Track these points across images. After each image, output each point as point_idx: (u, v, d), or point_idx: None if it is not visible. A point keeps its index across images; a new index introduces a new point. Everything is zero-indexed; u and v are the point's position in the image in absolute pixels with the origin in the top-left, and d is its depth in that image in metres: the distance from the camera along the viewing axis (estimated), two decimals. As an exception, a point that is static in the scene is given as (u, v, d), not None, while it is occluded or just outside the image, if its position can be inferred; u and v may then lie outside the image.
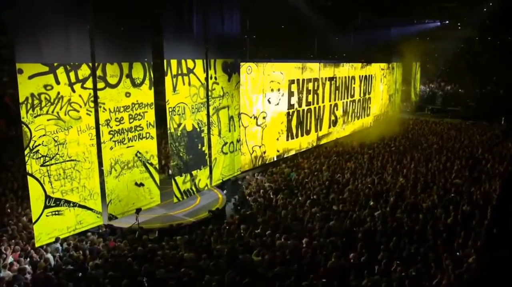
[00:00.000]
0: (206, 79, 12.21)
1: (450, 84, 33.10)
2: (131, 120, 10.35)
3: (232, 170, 13.88)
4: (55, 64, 8.65)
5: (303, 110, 17.91)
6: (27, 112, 8.32)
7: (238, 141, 14.00)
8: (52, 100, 8.67)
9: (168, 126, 11.20)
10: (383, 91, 25.63)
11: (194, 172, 12.23)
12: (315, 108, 18.71)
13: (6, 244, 8.63)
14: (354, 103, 22.14)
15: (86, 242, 9.10)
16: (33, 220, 8.71)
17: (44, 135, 8.65)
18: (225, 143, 13.38)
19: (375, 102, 24.61)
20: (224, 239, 9.29)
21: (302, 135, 18.14)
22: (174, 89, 11.13)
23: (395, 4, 24.26)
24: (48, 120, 8.67)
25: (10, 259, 8.22)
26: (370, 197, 11.87)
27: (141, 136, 10.62)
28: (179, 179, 11.72)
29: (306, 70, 17.69)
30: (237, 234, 9.56)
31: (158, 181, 11.26)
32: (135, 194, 10.69)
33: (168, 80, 10.97)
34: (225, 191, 13.07)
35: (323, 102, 19.25)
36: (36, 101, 8.43)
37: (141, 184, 10.81)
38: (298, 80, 17.20)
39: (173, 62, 11.00)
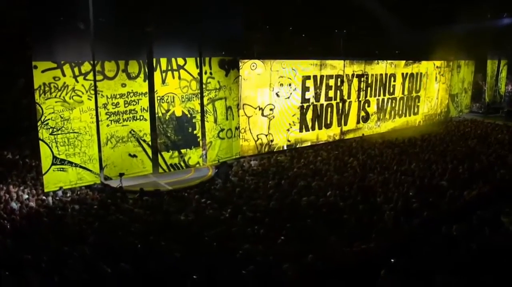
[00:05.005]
0: (200, 73, 14.53)
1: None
2: (126, 105, 13.29)
3: (229, 153, 16.03)
4: (62, 62, 11.97)
5: (322, 105, 18.98)
6: (39, 95, 11.80)
7: (236, 128, 16.04)
8: (59, 88, 12.04)
9: (156, 111, 13.90)
10: (439, 90, 24.59)
11: (183, 150, 14.77)
12: (337, 103, 19.57)
13: (28, 188, 12.38)
14: (394, 101, 22.09)
15: (78, 193, 12.38)
16: (43, 172, 12.28)
17: (53, 112, 12.07)
18: (222, 129, 15.58)
19: (426, 101, 23.88)
20: (173, 204, 11.68)
21: (320, 128, 19.25)
22: (163, 81, 13.77)
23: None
24: (56, 102, 12.07)
25: (26, 196, 11.89)
26: (332, 187, 12.93)
27: (135, 118, 13.52)
28: (165, 154, 14.42)
29: (326, 67, 18.69)
30: (184, 201, 11.86)
31: (150, 154, 14.07)
32: (129, 163, 13.68)
33: (157, 74, 13.64)
34: (216, 170, 15.32)
35: (349, 98, 19.95)
36: (47, 88, 11.86)
37: (134, 155, 13.75)
38: (315, 76, 18.35)
39: (163, 60, 13.62)
